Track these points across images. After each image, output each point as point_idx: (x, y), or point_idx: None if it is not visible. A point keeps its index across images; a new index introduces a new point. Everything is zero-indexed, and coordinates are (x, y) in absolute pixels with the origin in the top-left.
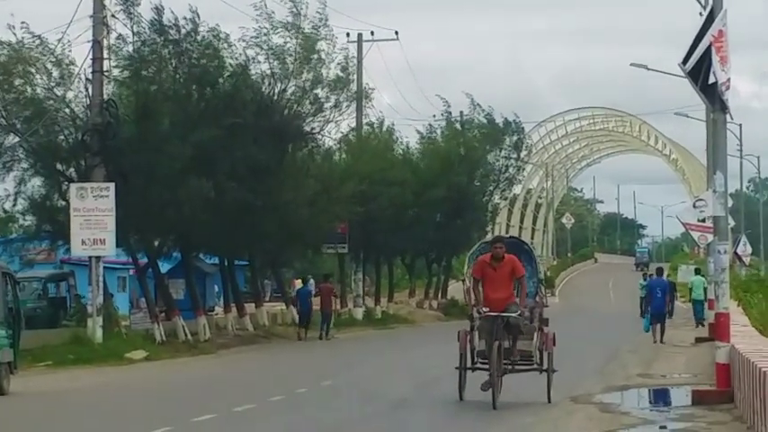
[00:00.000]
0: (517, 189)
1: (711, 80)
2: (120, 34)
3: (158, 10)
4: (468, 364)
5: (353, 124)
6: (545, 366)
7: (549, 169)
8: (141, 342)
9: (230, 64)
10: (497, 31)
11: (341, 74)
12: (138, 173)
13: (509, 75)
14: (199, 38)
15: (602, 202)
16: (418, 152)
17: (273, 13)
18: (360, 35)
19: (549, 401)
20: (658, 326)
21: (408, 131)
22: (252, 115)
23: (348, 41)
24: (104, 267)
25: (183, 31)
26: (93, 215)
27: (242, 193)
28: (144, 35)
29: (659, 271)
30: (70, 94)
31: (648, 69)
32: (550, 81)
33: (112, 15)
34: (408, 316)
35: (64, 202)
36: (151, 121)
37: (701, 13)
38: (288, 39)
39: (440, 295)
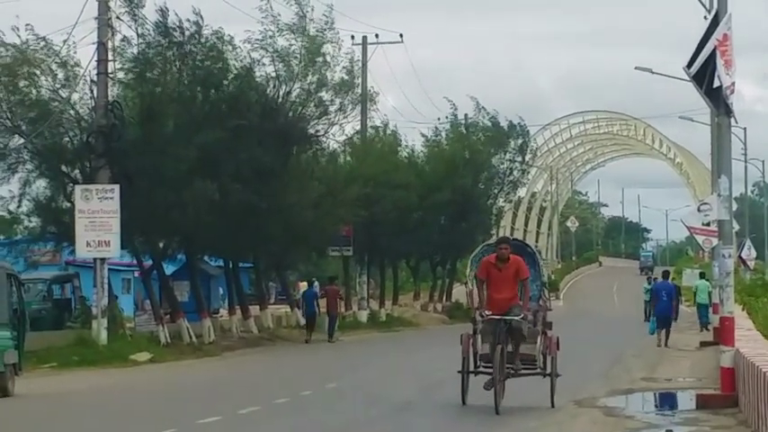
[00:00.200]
0: (522, 192)
1: (716, 84)
2: (124, 36)
3: (163, 12)
4: (471, 367)
5: (358, 127)
6: (548, 371)
7: (553, 172)
8: (146, 344)
9: (235, 66)
10: (502, 33)
11: (346, 77)
12: (143, 175)
13: (514, 77)
14: (203, 40)
15: (606, 205)
16: (423, 155)
17: (279, 15)
18: (364, 38)
19: (553, 406)
20: (663, 330)
21: (413, 134)
22: (257, 117)
23: (353, 44)
24: (109, 269)
25: (188, 33)
26: (98, 217)
27: (246, 196)
28: (148, 37)
29: (665, 274)
30: (75, 96)
31: (653, 73)
32: (555, 84)
33: (117, 17)
34: (413, 319)
35: (69, 204)
36: (156, 123)
37: (705, 17)
38: (293, 41)
39: (444, 298)
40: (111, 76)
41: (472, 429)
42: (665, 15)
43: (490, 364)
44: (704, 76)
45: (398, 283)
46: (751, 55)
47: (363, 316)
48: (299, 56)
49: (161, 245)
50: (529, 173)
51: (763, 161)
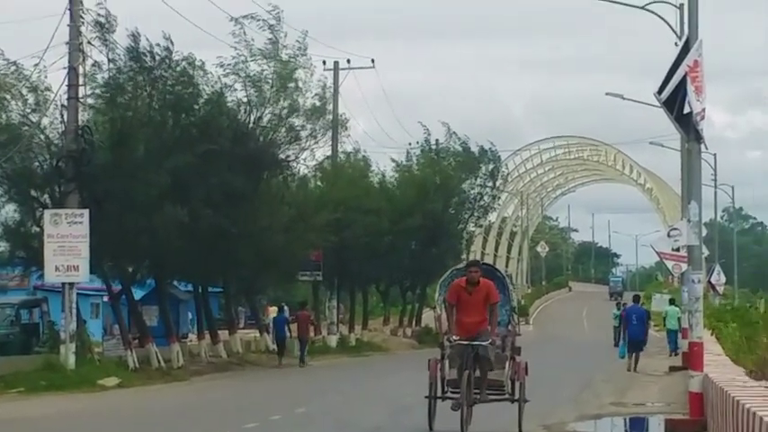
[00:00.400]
0: (492, 217)
1: (686, 110)
2: (95, 61)
3: (134, 37)
4: (439, 393)
5: (329, 152)
6: (516, 396)
7: (524, 198)
8: (114, 369)
9: (206, 91)
10: (473, 58)
11: (317, 103)
12: (113, 199)
13: (485, 102)
14: (173, 65)
15: (576, 230)
16: (394, 180)
17: (253, 40)
18: (336, 63)
19: (521, 431)
20: (633, 354)
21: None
22: (227, 142)
23: (325, 69)
24: (78, 294)
25: (158, 58)
26: (67, 241)
27: (217, 220)
28: (119, 62)
29: (636, 298)
30: (45, 121)
31: (624, 99)
32: (526, 109)
33: (88, 42)
34: (382, 343)
35: (38, 229)
36: (126, 147)
37: (676, 43)
38: (265, 66)
39: (414, 323)
40: (81, 100)
41: None
42: (637, 41)
43: (458, 390)
44: (675, 102)
45: (368, 307)
46: (721, 81)
47: (333, 341)
48: (270, 81)
49: (130, 269)
50: (499, 198)
51: (732, 187)
